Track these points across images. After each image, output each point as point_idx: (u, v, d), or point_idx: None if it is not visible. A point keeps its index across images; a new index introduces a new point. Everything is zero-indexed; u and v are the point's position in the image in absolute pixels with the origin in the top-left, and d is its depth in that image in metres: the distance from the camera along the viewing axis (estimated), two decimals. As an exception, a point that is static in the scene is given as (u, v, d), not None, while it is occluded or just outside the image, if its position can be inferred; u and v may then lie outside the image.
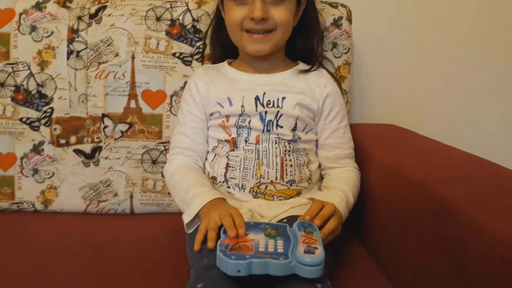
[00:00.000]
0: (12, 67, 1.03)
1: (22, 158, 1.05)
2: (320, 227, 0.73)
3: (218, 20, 0.99)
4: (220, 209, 0.76)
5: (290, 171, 0.89)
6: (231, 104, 0.91)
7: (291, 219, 0.78)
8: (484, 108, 1.45)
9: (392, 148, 0.99)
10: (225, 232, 0.70)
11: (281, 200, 0.89)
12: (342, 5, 1.12)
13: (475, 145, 1.43)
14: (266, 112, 0.89)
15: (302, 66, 0.98)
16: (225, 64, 0.99)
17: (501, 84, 1.44)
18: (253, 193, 0.88)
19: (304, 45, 0.98)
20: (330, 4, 1.11)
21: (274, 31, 0.88)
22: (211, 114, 0.93)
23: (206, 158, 0.95)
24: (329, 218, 0.76)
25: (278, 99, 0.90)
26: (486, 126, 1.46)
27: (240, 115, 0.90)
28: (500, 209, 0.63)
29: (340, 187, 0.88)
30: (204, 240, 0.73)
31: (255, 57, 0.93)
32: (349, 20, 1.11)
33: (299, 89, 0.92)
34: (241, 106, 0.90)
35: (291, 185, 0.89)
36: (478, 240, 0.59)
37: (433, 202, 0.69)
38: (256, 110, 0.89)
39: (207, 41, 1.04)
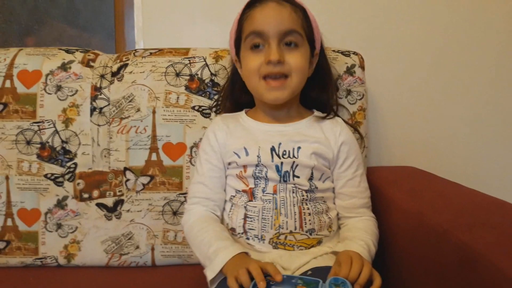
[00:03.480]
0: (38, 126, 1.07)
1: (46, 213, 1.07)
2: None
3: (233, 78, 1.02)
4: (246, 263, 0.75)
5: (309, 220, 0.89)
6: (247, 154, 0.91)
7: (317, 271, 0.77)
8: (503, 147, 1.44)
9: (412, 193, 0.98)
10: (254, 287, 0.70)
11: (301, 250, 0.88)
12: (354, 53, 1.15)
13: (495, 185, 1.42)
14: (282, 163, 0.90)
15: (317, 114, 0.99)
16: (242, 114, 1.00)
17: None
18: (273, 243, 0.88)
19: (319, 96, 1.00)
20: (342, 53, 1.14)
21: (290, 77, 0.89)
22: (229, 164, 0.94)
23: (224, 208, 0.95)
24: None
25: (293, 149, 0.91)
26: (506, 166, 1.45)
27: (256, 165, 0.90)
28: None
29: (360, 236, 0.87)
30: None
31: (272, 106, 0.94)
32: (362, 67, 1.14)
33: (315, 138, 0.93)
34: (257, 156, 0.90)
35: (311, 234, 0.89)
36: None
37: (457, 251, 0.69)
38: (272, 161, 0.90)
39: (222, 95, 1.07)
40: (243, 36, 0.92)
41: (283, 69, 0.88)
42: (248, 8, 0.92)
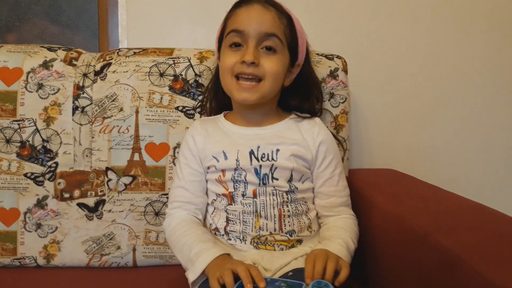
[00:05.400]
0: (19, 124, 1.05)
1: (25, 213, 1.05)
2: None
3: (217, 78, 1.01)
4: (229, 263, 0.75)
5: (288, 222, 0.89)
6: (226, 158, 0.91)
7: (298, 272, 0.78)
8: (483, 152, 1.47)
9: (393, 196, 1.00)
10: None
11: (282, 248, 0.89)
12: (338, 57, 1.16)
13: (473, 189, 1.45)
14: (260, 166, 0.90)
15: (295, 116, 0.99)
16: (221, 117, 1.00)
17: (498, 126, 1.47)
18: (254, 244, 0.88)
19: (300, 105, 1.00)
20: (326, 57, 1.15)
21: (262, 81, 0.89)
22: (208, 168, 0.94)
23: (206, 210, 0.95)
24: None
25: (272, 152, 0.91)
26: (485, 170, 1.47)
27: (235, 169, 0.90)
28: (502, 259, 0.63)
29: (339, 235, 0.88)
30: None
31: (246, 107, 0.94)
32: (345, 71, 1.15)
33: (293, 140, 0.93)
34: (236, 160, 0.90)
35: (291, 235, 0.89)
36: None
37: (437, 254, 0.70)
38: (251, 164, 0.90)
39: (206, 95, 1.07)
40: (225, 33, 0.92)
41: (256, 71, 0.88)
42: (235, 7, 0.93)
